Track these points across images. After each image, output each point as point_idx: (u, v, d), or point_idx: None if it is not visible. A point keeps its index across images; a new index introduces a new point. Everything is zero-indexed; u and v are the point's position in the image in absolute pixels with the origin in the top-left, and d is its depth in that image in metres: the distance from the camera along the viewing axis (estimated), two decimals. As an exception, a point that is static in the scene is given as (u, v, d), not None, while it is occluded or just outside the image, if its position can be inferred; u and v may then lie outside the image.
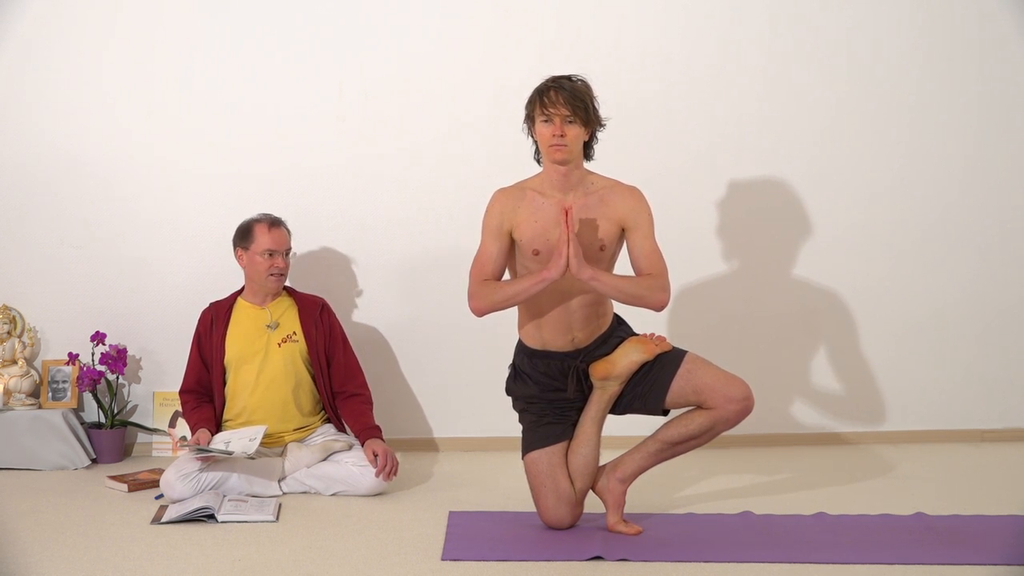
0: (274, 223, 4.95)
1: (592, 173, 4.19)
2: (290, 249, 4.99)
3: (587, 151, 4.16)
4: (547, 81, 4.09)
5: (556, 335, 4.19)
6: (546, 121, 4.04)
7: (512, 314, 4.30)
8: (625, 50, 5.52)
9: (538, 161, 4.20)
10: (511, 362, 4.35)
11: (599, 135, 4.16)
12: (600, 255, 4.11)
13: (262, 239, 4.90)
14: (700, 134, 5.56)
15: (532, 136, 4.15)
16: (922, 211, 5.64)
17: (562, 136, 4.02)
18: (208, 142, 5.50)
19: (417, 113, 5.52)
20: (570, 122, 4.02)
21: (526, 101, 4.12)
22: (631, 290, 4.07)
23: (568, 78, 4.09)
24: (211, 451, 4.59)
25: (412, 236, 5.55)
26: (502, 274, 4.21)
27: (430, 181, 5.54)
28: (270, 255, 4.89)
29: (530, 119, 4.12)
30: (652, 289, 4.08)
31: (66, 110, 5.48)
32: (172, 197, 5.51)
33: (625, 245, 4.19)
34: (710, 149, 5.56)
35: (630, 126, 5.31)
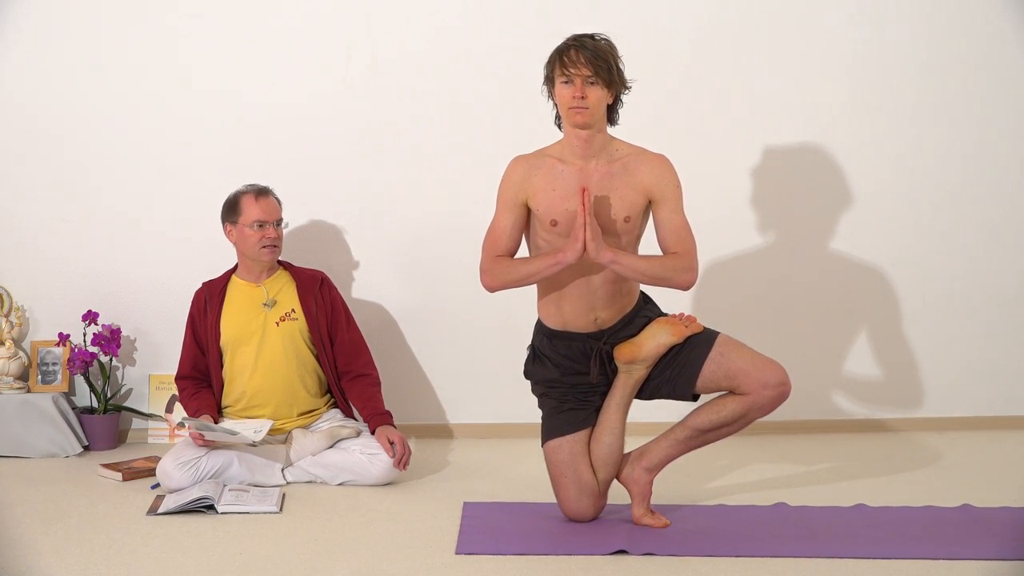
0: (261, 192, 4.92)
1: (616, 139, 4.17)
2: (281, 219, 4.95)
3: (611, 115, 4.14)
4: (568, 40, 4.06)
5: (578, 314, 4.18)
6: (566, 82, 4.01)
7: (531, 291, 4.29)
8: (656, 13, 5.49)
9: (559, 126, 4.18)
10: (530, 343, 4.35)
11: (624, 98, 4.13)
12: (624, 227, 4.10)
13: (250, 210, 4.88)
14: (734, 101, 5.54)
15: (552, 99, 4.13)
16: (971, 184, 5.62)
17: (583, 98, 3.99)
18: (206, 113, 5.51)
19: (430, 79, 5.51)
20: (592, 83, 3.99)
21: (546, 61, 4.10)
22: (655, 272, 4.07)
23: (591, 36, 4.05)
24: (215, 429, 4.61)
25: (422, 207, 5.55)
26: (516, 248, 4.21)
27: (442, 150, 5.53)
28: (260, 226, 4.87)
29: (549, 80, 4.09)
30: (677, 270, 4.08)
31: (57, 84, 5.48)
32: (168, 168, 5.52)
33: (651, 218, 4.18)
34: (744, 117, 5.55)
35: (660, 90, 5.30)
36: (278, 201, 4.96)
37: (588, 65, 3.97)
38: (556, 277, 4.14)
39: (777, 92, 5.54)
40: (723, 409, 4.08)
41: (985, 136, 5.60)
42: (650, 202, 4.13)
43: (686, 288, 4.12)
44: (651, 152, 4.16)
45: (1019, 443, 5.40)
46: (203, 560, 3.82)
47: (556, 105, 4.11)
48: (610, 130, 4.17)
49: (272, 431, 4.81)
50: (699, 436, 4.13)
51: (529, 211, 4.16)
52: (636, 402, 4.25)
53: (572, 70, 3.99)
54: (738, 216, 5.56)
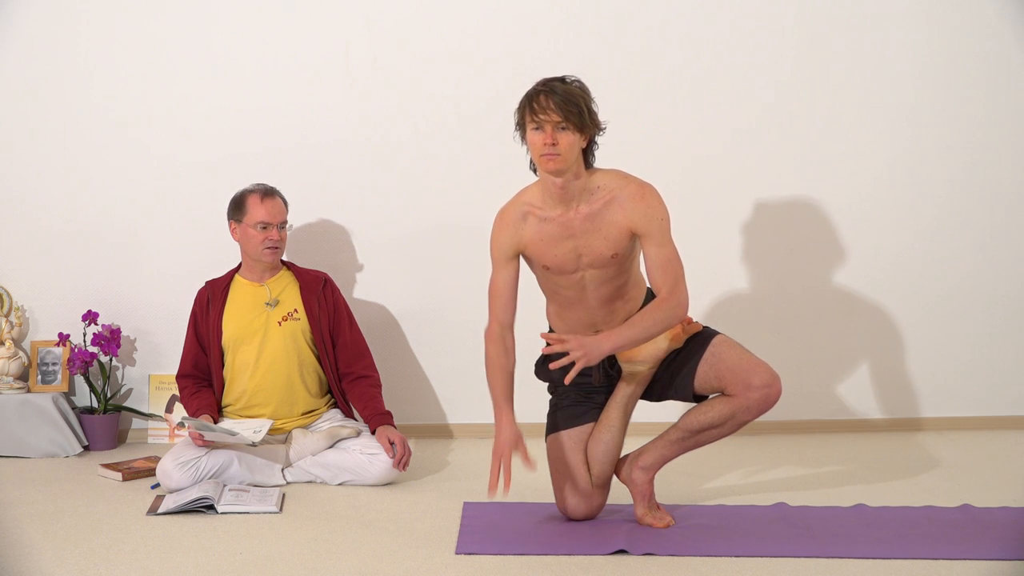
0: (268, 193, 4.92)
1: (598, 171, 4.07)
2: (286, 221, 4.96)
3: (585, 157, 4.04)
4: (537, 84, 3.97)
5: (579, 329, 4.20)
6: (536, 128, 3.92)
7: (530, 293, 4.30)
8: (654, 36, 5.42)
9: (534, 171, 4.08)
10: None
11: (601, 136, 4.04)
12: (613, 261, 4.07)
13: (255, 211, 4.89)
14: (735, 102, 5.53)
15: (525, 144, 4.04)
16: (971, 184, 5.62)
17: (554, 144, 3.89)
18: (206, 111, 5.51)
19: (431, 78, 5.52)
20: (563, 128, 3.89)
21: (516, 107, 4.00)
22: (652, 329, 4.00)
23: (561, 80, 3.96)
24: (215, 429, 4.61)
25: (424, 208, 5.55)
26: (514, 302, 4.15)
27: (444, 150, 5.53)
28: (263, 228, 4.88)
29: (521, 126, 4.00)
30: (668, 316, 3.99)
31: (58, 83, 5.48)
32: (169, 169, 5.53)
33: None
34: (744, 119, 5.54)
35: (664, 92, 5.30)
36: (284, 203, 4.96)
37: (558, 111, 3.88)
38: (555, 296, 4.17)
39: (776, 94, 5.54)
40: (711, 411, 4.07)
41: (985, 136, 5.60)
42: (635, 235, 4.07)
43: (681, 320, 4.08)
44: (634, 183, 4.06)
45: (1019, 443, 5.40)
46: (203, 560, 3.82)
47: (529, 150, 4.03)
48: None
49: (272, 431, 4.82)
50: (692, 437, 4.12)
51: (523, 253, 4.15)
52: (640, 401, 4.26)
53: (542, 116, 3.89)
54: (739, 216, 5.55)
